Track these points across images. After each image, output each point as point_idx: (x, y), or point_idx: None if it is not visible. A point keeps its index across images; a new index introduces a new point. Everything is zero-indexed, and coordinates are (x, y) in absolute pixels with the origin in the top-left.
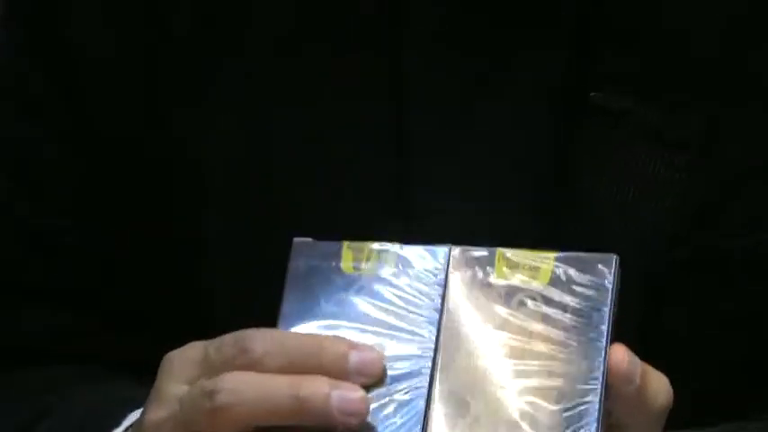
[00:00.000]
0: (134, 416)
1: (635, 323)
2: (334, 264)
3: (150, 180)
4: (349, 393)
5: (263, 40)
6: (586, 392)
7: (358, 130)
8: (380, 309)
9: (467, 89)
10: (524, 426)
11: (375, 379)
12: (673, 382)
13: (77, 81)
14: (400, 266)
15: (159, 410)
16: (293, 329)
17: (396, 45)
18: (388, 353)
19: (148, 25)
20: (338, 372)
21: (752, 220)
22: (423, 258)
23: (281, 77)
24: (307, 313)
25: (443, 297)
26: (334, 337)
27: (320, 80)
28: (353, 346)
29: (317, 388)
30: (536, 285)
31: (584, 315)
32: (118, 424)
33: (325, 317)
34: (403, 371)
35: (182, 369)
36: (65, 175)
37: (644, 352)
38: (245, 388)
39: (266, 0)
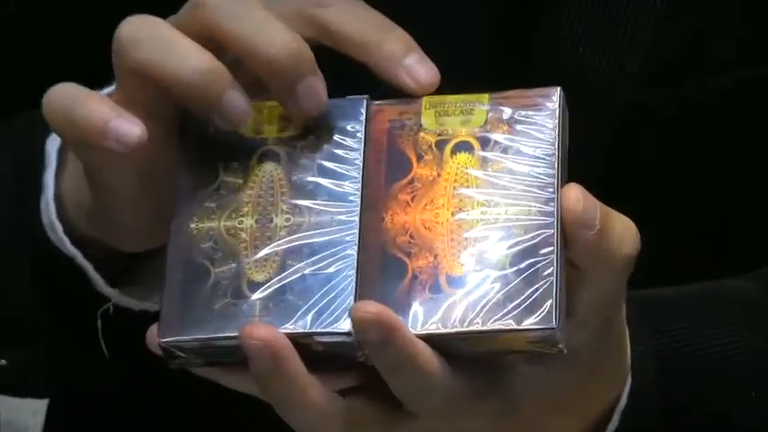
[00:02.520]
0: None
1: (600, 166)
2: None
3: None
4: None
5: None
6: (541, 241)
7: None
8: (290, 172)
9: None
10: (474, 286)
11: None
12: (642, 229)
13: None
14: (309, 122)
15: None
16: (189, 214)
17: None
18: (308, 222)
19: None
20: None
21: (725, 62)
22: (338, 112)
23: None
24: (204, 186)
25: (365, 153)
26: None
27: None
28: (307, 56)
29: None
30: (471, 129)
31: (529, 155)
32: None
33: (226, 189)
34: (329, 238)
35: None
36: None
37: (609, 195)
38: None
39: None
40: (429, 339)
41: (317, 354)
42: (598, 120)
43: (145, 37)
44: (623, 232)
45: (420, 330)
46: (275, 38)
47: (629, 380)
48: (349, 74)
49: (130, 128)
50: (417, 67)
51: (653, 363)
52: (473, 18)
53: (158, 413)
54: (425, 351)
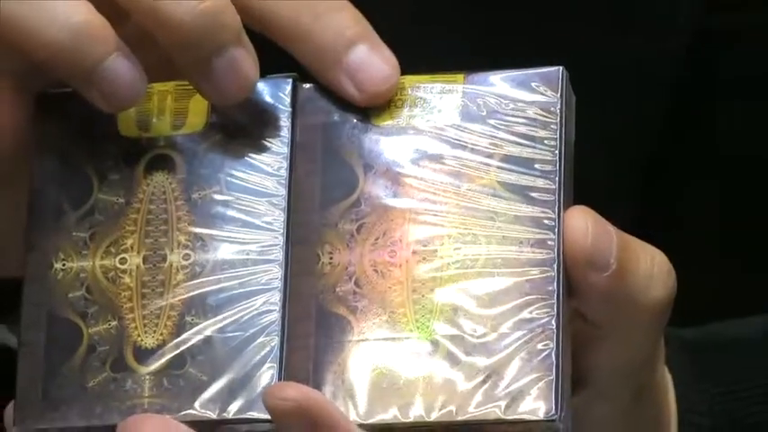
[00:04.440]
0: None
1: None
2: (105, 124)
3: None
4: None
5: None
6: (535, 290)
7: None
8: (189, 186)
9: None
10: (445, 359)
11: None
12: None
13: None
14: (215, 116)
15: None
16: (51, 248)
17: None
18: (214, 261)
19: None
20: None
21: None
22: (255, 99)
23: None
24: (72, 207)
25: (292, 160)
26: None
27: None
28: (229, 20)
29: None
30: (439, 126)
31: (521, 164)
32: None
33: (102, 212)
34: (243, 284)
35: None
36: None
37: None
38: None
39: None
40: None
41: None
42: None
43: None
44: (650, 270)
45: (370, 419)
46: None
47: None
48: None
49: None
50: (364, 65)
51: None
52: None
53: None
54: None
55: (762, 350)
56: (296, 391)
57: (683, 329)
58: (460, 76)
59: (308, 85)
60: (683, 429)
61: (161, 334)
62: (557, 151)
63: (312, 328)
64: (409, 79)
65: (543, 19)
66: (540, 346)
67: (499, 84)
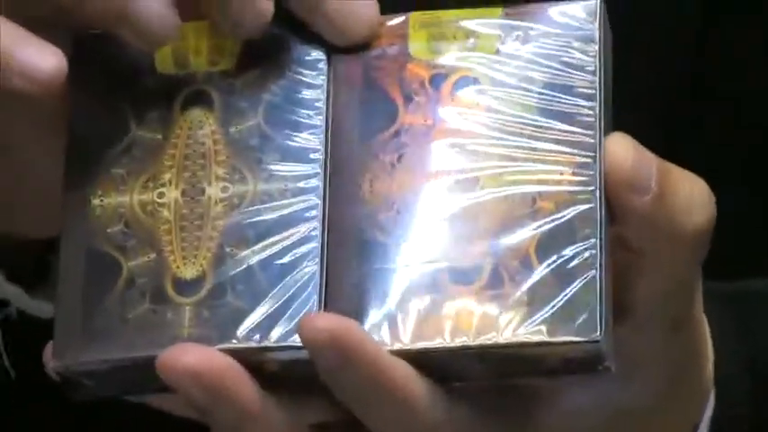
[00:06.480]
0: None
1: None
2: (142, 63)
3: None
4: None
5: None
6: (577, 217)
7: None
8: (227, 121)
9: None
10: (485, 283)
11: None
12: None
13: None
14: (251, 52)
15: None
16: (89, 185)
17: None
18: (253, 192)
19: None
20: None
21: None
22: (292, 33)
23: None
24: (110, 144)
25: (330, 92)
26: None
27: None
28: None
29: None
30: (478, 59)
31: (560, 95)
32: None
33: (139, 148)
34: (282, 214)
35: None
36: None
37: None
38: None
39: None
40: (418, 357)
41: (275, 375)
42: None
43: None
44: (691, 195)
45: (414, 346)
46: None
47: (713, 397)
48: None
49: (42, 57)
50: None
51: (743, 370)
52: None
53: None
54: (402, 377)
55: None
56: (328, 322)
57: (712, 283)
58: (498, 10)
59: None
60: (721, 380)
61: (200, 265)
62: (598, 80)
63: (354, 256)
64: (448, 13)
65: None
66: (584, 266)
67: (537, 15)
